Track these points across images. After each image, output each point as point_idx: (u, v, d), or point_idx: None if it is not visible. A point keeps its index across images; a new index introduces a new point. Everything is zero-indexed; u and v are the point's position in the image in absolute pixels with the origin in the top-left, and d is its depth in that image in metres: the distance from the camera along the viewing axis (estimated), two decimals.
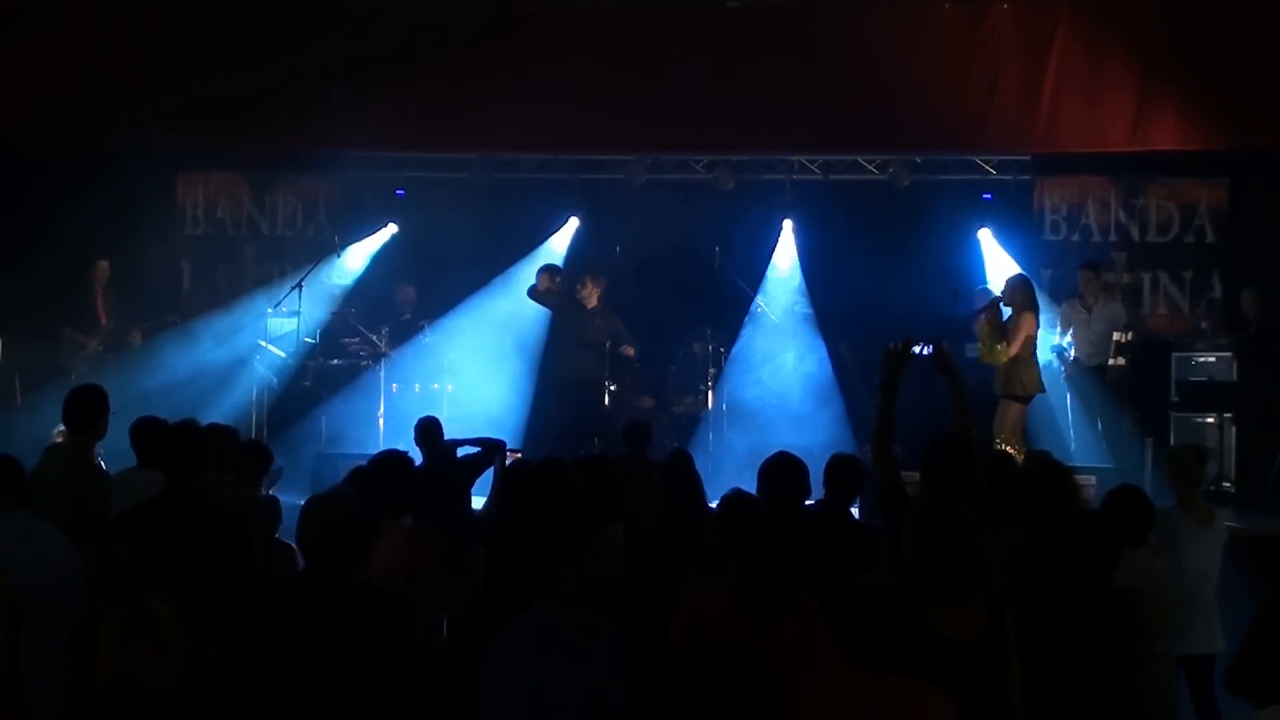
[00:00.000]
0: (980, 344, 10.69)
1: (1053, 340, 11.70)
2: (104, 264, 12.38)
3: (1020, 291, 10.75)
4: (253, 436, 10.80)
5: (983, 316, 10.77)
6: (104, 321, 12.36)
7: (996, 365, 10.62)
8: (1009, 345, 10.50)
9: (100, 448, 7.03)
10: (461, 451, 8.14)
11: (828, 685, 3.91)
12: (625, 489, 5.99)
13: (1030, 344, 10.64)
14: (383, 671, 4.26)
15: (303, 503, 4.61)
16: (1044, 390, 10.77)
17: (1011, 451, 9.89)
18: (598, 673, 4.11)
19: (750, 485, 7.10)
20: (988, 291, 12.23)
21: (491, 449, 7.94)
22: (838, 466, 6.01)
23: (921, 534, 4.13)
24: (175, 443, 5.89)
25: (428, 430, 8.12)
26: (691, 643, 4.58)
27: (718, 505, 4.95)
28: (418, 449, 7.99)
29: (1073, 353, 11.76)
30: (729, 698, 4.48)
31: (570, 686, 3.99)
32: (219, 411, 11.42)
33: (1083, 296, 11.85)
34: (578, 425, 11.65)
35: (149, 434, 6.62)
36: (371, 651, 4.24)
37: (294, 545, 5.52)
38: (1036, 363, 10.73)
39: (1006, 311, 10.75)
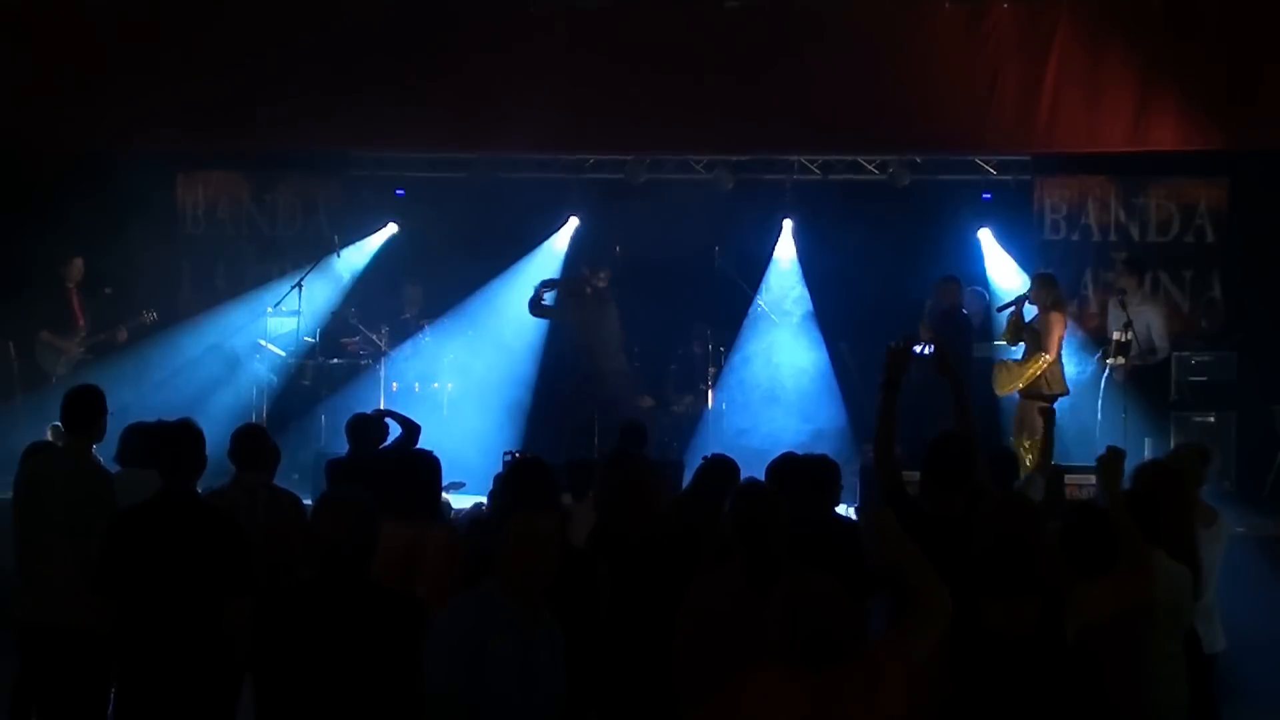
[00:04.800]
0: (1002, 373, 10.65)
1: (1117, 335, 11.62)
2: (78, 261, 12.24)
3: (1046, 290, 10.69)
4: None
5: (1006, 326, 10.70)
6: (81, 323, 12.24)
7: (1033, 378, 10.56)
8: (1046, 352, 10.41)
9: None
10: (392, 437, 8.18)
11: (774, 688, 3.96)
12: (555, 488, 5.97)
13: (1060, 344, 10.62)
14: (399, 672, 4.27)
15: (310, 502, 4.62)
16: (1068, 392, 10.74)
17: (1025, 454, 9.81)
18: (536, 653, 4.35)
19: None
20: (978, 292, 12.20)
21: (412, 432, 7.94)
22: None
23: (985, 529, 4.15)
24: (168, 443, 5.88)
25: (362, 426, 8.09)
26: (699, 621, 4.71)
27: (734, 495, 5.02)
28: (348, 442, 7.99)
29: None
30: (732, 673, 4.54)
31: (510, 659, 4.27)
32: (219, 411, 11.44)
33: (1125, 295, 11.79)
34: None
35: (153, 435, 6.65)
36: (388, 652, 4.27)
37: None
38: (1062, 363, 10.70)
39: (1029, 312, 10.72)
